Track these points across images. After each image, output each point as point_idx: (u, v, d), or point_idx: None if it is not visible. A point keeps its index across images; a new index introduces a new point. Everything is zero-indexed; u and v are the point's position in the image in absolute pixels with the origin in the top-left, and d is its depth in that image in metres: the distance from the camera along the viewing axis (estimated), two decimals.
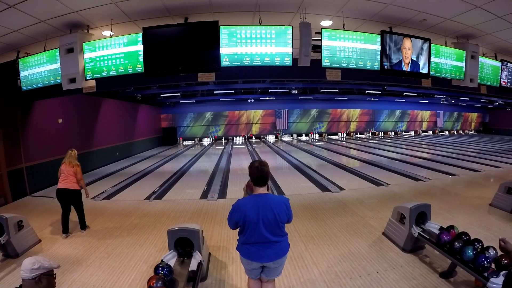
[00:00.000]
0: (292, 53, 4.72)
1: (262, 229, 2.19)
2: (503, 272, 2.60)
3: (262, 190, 2.29)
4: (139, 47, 4.70)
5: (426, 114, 24.68)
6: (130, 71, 4.83)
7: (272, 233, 2.22)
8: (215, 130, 21.16)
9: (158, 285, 2.42)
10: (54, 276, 1.90)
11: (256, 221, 2.19)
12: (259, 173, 2.25)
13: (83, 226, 4.73)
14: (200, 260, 3.06)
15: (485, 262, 2.66)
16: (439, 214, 4.91)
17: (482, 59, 6.37)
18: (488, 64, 6.59)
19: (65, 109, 8.92)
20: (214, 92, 15.58)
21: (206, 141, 20.98)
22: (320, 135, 22.54)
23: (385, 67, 5.14)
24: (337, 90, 16.30)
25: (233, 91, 15.69)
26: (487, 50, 6.70)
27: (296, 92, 16.79)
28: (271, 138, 21.67)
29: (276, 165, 10.78)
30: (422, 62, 5.40)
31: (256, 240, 2.23)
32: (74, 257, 3.81)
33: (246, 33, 4.64)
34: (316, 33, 4.75)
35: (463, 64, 5.96)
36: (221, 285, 3.16)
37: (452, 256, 3.01)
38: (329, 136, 22.54)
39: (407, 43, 5.19)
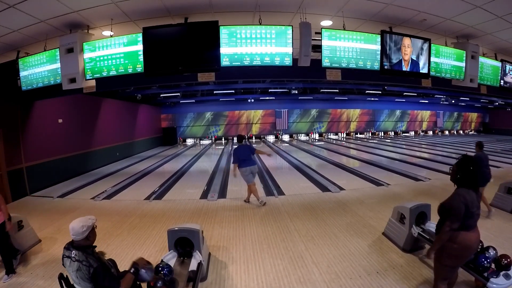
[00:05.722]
0: (292, 53, 4.72)
1: (246, 155, 5.75)
2: (503, 272, 2.61)
3: (242, 143, 6.03)
4: (139, 47, 4.70)
5: (426, 114, 24.68)
6: (130, 71, 4.82)
7: (249, 156, 5.77)
8: (215, 130, 21.16)
9: (158, 285, 2.42)
10: (95, 227, 2.27)
11: (243, 152, 5.78)
12: (240, 138, 6.13)
13: (9, 270, 3.37)
14: (200, 260, 3.06)
15: (485, 262, 2.66)
16: None
17: (482, 59, 6.36)
18: (488, 64, 6.59)
19: (65, 109, 8.92)
20: (214, 92, 15.57)
21: (206, 141, 21.00)
22: (320, 135, 22.53)
23: (385, 67, 5.13)
24: (337, 90, 16.28)
25: (233, 91, 15.67)
26: (487, 50, 6.69)
27: (296, 92, 16.77)
28: (271, 138, 21.68)
29: (276, 165, 10.78)
30: (422, 62, 5.40)
31: (244, 158, 5.72)
32: None
33: (246, 33, 4.64)
34: (316, 33, 4.75)
35: (463, 64, 5.95)
36: (221, 285, 3.16)
37: None
38: (329, 136, 22.55)
39: (406, 41, 5.19)
